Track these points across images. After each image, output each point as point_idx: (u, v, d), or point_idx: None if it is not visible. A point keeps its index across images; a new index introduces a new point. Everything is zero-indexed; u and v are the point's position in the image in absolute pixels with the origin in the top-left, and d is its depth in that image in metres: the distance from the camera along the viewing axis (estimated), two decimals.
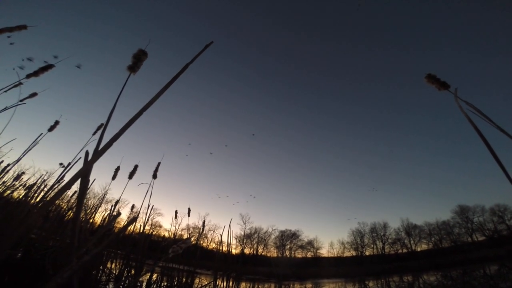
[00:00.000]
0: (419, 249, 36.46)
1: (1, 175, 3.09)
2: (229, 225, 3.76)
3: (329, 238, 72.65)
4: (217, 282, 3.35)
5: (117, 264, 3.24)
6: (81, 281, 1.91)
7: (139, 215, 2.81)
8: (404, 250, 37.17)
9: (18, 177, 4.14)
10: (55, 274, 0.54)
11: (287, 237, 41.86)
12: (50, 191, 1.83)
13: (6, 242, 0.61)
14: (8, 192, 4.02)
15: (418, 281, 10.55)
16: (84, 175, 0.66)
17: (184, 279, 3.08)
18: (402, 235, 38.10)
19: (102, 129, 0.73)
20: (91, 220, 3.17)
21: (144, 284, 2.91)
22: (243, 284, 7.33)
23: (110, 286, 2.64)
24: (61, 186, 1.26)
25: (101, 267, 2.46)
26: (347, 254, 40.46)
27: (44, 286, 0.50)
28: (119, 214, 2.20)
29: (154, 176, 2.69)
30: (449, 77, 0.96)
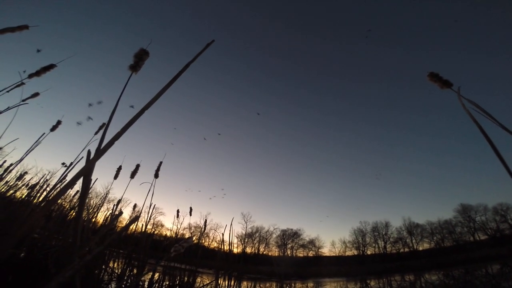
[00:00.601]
0: (421, 248, 36.32)
1: (4, 175, 3.11)
2: (231, 224, 3.77)
3: (331, 237, 72.62)
4: (219, 281, 3.36)
5: (119, 263, 3.26)
6: (84, 280, 1.92)
7: (141, 214, 2.82)
8: (406, 249, 37.04)
9: (20, 177, 4.17)
10: (58, 273, 0.55)
11: (289, 236, 41.85)
12: (53, 191, 1.84)
13: (9, 242, 0.61)
14: (11, 191, 4.06)
15: (420, 281, 10.53)
16: (86, 174, 0.66)
17: (186, 278, 3.09)
18: (404, 234, 37.95)
19: (104, 128, 0.73)
20: (93, 220, 3.18)
21: (146, 283, 2.92)
22: (245, 283, 7.34)
23: (112, 285, 2.65)
24: (63, 185, 1.26)
25: (103, 267, 2.47)
26: (348, 253, 40.37)
27: (47, 285, 0.50)
28: (121, 213, 2.21)
29: (156, 176, 2.69)
30: (452, 75, 0.95)
